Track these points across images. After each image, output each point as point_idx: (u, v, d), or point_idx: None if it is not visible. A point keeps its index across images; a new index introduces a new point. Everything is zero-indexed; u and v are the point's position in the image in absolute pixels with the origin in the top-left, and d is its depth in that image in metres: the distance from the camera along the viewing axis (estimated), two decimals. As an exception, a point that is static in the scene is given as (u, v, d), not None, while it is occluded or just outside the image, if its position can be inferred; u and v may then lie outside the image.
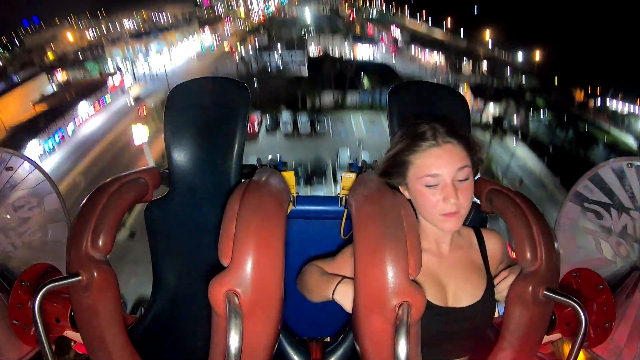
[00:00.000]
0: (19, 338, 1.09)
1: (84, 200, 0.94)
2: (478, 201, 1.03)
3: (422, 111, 1.14)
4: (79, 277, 0.85)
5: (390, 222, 0.76)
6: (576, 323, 0.81)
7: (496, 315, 1.02)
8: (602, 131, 21.19)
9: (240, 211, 0.75)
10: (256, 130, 24.63)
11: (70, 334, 1.11)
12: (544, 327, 0.90)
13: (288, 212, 1.08)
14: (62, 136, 23.23)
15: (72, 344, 1.20)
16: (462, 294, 0.92)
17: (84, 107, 26.33)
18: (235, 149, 1.15)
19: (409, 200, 0.91)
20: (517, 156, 19.71)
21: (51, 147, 22.07)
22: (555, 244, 0.87)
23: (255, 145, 22.29)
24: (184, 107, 1.18)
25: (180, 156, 1.15)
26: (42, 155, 20.70)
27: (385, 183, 0.92)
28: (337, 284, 0.91)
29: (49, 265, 1.19)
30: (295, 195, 1.25)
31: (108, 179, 1.00)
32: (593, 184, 1.22)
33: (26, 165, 1.22)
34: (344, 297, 0.88)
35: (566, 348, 1.04)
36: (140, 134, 18.03)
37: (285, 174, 1.16)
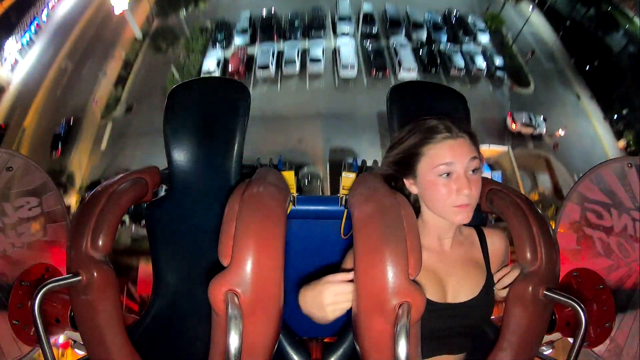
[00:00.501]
0: (19, 338, 1.09)
1: (84, 200, 0.94)
2: (478, 201, 1.03)
3: (422, 111, 1.14)
4: (79, 277, 0.85)
5: (390, 222, 0.76)
6: (576, 323, 0.82)
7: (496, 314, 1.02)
8: (626, 18, 19.35)
9: (240, 211, 0.75)
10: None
11: (70, 334, 1.11)
12: (544, 327, 0.90)
13: (288, 212, 1.08)
14: (38, 25, 21.34)
15: (72, 344, 1.20)
16: (461, 290, 0.92)
17: (55, -12, 22.95)
18: (235, 149, 1.15)
19: (412, 197, 0.92)
20: (530, 23, 18.22)
21: (29, 39, 20.45)
22: (555, 244, 0.87)
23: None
24: (184, 107, 1.18)
25: (180, 156, 1.15)
26: (22, 50, 19.51)
27: (385, 183, 0.92)
28: (322, 289, 0.84)
29: (49, 265, 1.20)
30: (295, 195, 1.25)
31: (108, 180, 1.00)
32: (593, 184, 1.22)
33: (26, 165, 1.22)
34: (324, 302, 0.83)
35: (566, 348, 1.04)
36: (119, 0, 16.68)
37: (285, 173, 1.16)
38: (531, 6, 19.05)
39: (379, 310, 0.72)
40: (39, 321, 0.81)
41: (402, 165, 0.90)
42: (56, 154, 13.95)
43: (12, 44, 19.55)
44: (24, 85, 17.43)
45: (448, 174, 0.85)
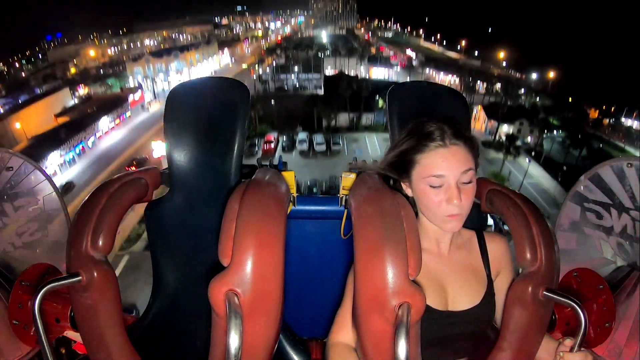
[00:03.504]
0: (19, 338, 1.09)
1: (84, 200, 0.94)
2: (478, 201, 1.03)
3: (422, 111, 1.14)
4: (79, 277, 0.85)
5: (390, 223, 0.76)
6: (576, 323, 0.81)
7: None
8: (617, 149, 21.20)
9: (240, 211, 0.75)
10: (272, 147, 25.80)
11: (70, 334, 1.11)
12: (544, 327, 0.90)
13: (288, 212, 1.08)
14: (83, 148, 24.21)
15: (72, 344, 1.21)
16: (461, 297, 0.91)
17: (104, 122, 27.58)
18: (235, 149, 1.15)
19: (411, 198, 0.92)
20: (530, 175, 19.84)
21: (71, 158, 23.00)
22: (555, 244, 0.87)
23: (272, 162, 22.87)
24: (184, 107, 1.18)
25: (180, 156, 1.15)
26: (62, 166, 21.66)
27: (385, 183, 0.92)
28: None
29: (49, 265, 1.20)
30: (295, 195, 1.24)
31: (108, 179, 1.00)
32: (593, 184, 1.22)
33: (26, 165, 1.22)
34: None
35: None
36: (159, 148, 19.08)
37: (285, 174, 1.16)
38: (528, 159, 20.89)
39: (378, 310, 0.72)
40: (39, 321, 0.81)
41: (398, 168, 0.91)
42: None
43: (55, 156, 21.65)
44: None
45: (439, 185, 0.85)
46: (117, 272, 14.50)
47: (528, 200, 0.92)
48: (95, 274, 0.86)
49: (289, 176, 1.19)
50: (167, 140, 1.15)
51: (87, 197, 0.95)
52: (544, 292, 0.83)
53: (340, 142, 26.40)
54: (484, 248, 0.97)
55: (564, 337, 0.88)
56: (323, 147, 25.58)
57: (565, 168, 20.03)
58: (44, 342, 0.83)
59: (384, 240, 0.73)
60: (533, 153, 22.17)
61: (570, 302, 0.81)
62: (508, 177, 19.82)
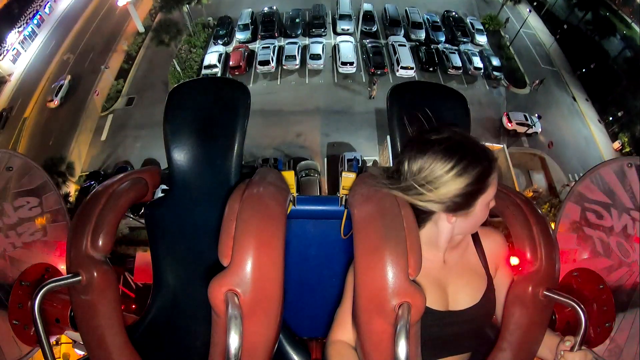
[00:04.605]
0: (19, 338, 1.09)
1: (84, 200, 0.94)
2: None
3: (422, 111, 1.14)
4: (79, 277, 0.85)
5: (389, 222, 0.76)
6: (576, 323, 0.81)
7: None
8: (623, 23, 19.43)
9: (240, 211, 0.75)
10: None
11: (70, 334, 1.11)
12: (544, 327, 0.90)
13: (288, 212, 1.08)
14: (41, 17, 21.90)
15: (72, 344, 1.20)
16: (461, 296, 0.91)
17: (59, -19, 23.46)
18: (235, 149, 1.15)
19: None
20: (528, 26, 18.58)
21: (31, 31, 20.99)
22: (555, 244, 0.87)
23: (250, -6, 20.60)
24: (184, 107, 1.18)
25: (180, 156, 1.15)
26: (24, 42, 19.96)
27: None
28: None
29: (49, 265, 1.20)
30: (295, 195, 1.24)
31: (108, 180, 1.00)
32: (593, 184, 1.22)
33: (26, 165, 1.22)
34: None
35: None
36: None
37: (285, 173, 1.16)
38: (529, 8, 19.30)
39: (379, 310, 0.72)
40: (39, 321, 0.81)
41: (463, 202, 0.82)
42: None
43: (14, 36, 19.69)
44: (26, 76, 17.60)
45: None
46: (104, 133, 14.23)
47: (528, 200, 0.92)
48: (95, 274, 0.86)
49: (289, 176, 1.19)
50: (167, 140, 1.15)
51: (87, 197, 0.95)
52: (544, 292, 0.83)
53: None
54: (480, 245, 0.97)
55: (564, 336, 0.88)
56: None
57: (565, 27, 18.89)
58: (44, 342, 0.83)
59: (384, 240, 0.73)
60: (535, 3, 20.61)
61: (570, 302, 0.81)
62: (505, 24, 18.61)
